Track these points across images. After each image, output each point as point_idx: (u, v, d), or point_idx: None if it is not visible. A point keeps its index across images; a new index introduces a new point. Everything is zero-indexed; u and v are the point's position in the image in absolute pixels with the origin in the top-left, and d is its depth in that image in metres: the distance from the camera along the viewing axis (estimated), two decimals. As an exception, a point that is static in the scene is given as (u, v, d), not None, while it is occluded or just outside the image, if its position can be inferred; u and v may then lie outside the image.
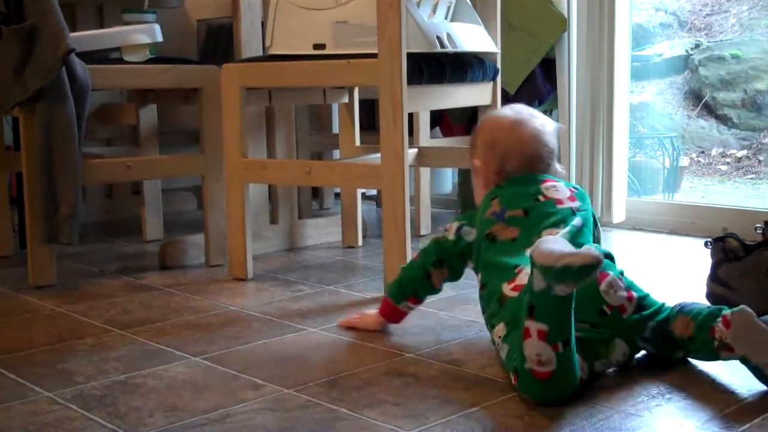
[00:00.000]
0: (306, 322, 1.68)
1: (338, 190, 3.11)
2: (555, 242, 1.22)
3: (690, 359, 1.39)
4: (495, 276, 1.42)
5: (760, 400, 1.23)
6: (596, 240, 1.54)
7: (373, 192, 3.22)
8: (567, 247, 1.21)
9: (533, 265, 1.21)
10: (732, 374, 1.34)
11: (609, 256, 1.37)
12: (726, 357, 1.30)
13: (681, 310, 1.36)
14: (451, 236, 1.54)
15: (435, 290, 1.58)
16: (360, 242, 2.44)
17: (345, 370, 1.39)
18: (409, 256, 1.84)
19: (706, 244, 1.73)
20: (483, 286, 1.46)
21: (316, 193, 3.21)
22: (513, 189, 1.52)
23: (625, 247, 2.38)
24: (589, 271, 1.17)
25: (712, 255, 1.72)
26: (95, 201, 2.94)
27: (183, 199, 3.12)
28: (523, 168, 1.54)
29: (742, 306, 1.28)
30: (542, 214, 1.47)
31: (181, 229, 2.64)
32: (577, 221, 1.46)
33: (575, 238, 1.42)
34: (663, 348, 1.38)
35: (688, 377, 1.34)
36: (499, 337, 1.36)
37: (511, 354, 1.29)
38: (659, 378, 1.33)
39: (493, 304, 1.41)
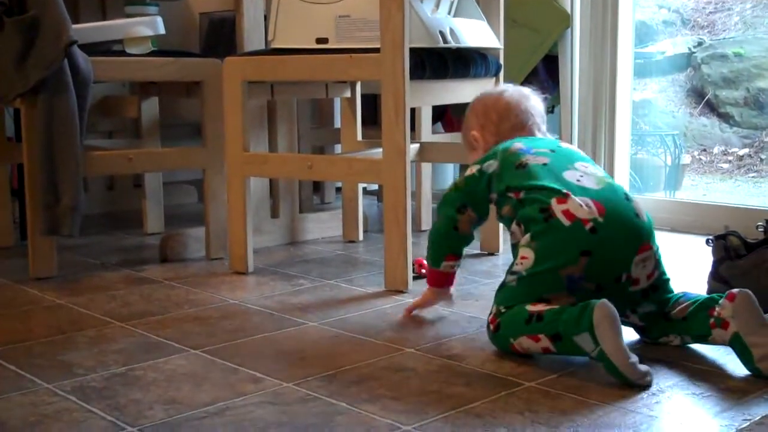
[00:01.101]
0: (306, 316, 1.68)
1: (339, 184, 3.11)
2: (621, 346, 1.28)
3: (686, 347, 1.40)
4: (545, 196, 1.44)
5: (760, 399, 1.23)
6: None
7: (375, 187, 3.22)
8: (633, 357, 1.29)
9: (595, 340, 1.29)
10: (732, 372, 1.34)
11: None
12: (717, 335, 1.36)
13: (683, 296, 1.45)
14: (474, 172, 1.58)
15: (467, 238, 1.61)
16: (361, 237, 2.43)
17: (344, 365, 1.39)
18: (410, 251, 1.84)
19: (707, 242, 1.73)
20: (521, 202, 1.48)
21: (318, 187, 3.21)
22: (532, 139, 1.61)
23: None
24: (623, 380, 1.28)
25: (714, 253, 1.71)
26: (96, 193, 2.94)
27: (184, 192, 3.12)
28: (515, 127, 1.65)
29: (745, 289, 1.35)
30: (570, 152, 1.57)
31: (182, 222, 2.64)
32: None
33: (614, 181, 1.51)
34: (653, 328, 1.46)
35: (688, 375, 1.34)
36: (516, 270, 1.43)
37: (510, 305, 1.42)
38: (659, 375, 1.33)
39: (533, 212, 1.44)
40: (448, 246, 1.62)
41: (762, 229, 1.73)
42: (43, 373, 1.37)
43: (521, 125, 1.66)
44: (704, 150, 3.42)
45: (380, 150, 1.85)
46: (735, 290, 1.35)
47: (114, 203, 2.98)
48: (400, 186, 1.81)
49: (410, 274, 1.86)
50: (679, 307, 1.43)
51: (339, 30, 1.88)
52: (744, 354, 1.32)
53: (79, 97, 1.96)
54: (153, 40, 2.21)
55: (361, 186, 2.45)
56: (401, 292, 1.84)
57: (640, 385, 1.27)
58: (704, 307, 1.39)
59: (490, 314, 1.46)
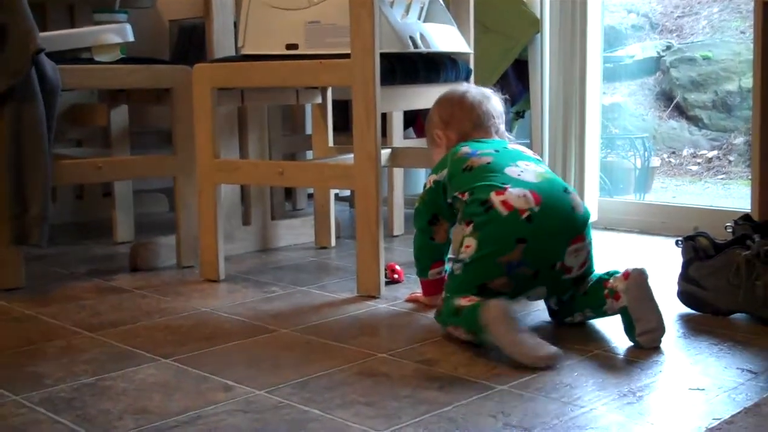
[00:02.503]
0: (278, 323, 1.67)
1: (311, 191, 3.10)
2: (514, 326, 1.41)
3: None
4: (485, 190, 1.54)
5: (731, 399, 1.24)
6: None
7: (347, 193, 3.21)
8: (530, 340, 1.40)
9: (483, 330, 1.41)
10: (703, 375, 1.35)
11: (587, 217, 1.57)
12: (609, 306, 1.49)
13: (589, 270, 1.57)
14: (430, 185, 1.69)
15: (447, 244, 1.72)
16: (333, 243, 2.43)
17: (317, 371, 1.38)
18: (382, 256, 1.84)
19: (677, 243, 1.74)
20: (456, 204, 1.60)
21: (289, 194, 3.20)
22: (479, 142, 1.70)
23: (598, 246, 2.39)
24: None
25: (683, 254, 1.73)
26: (65, 202, 2.91)
27: (154, 200, 3.10)
28: (475, 127, 1.74)
29: (643, 267, 1.47)
30: (513, 152, 1.66)
31: (153, 231, 2.62)
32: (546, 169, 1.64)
33: (555, 177, 1.61)
34: (564, 309, 1.59)
35: (660, 377, 1.34)
36: (461, 258, 1.53)
37: (456, 293, 1.52)
38: (630, 376, 1.33)
39: (475, 207, 1.54)
40: (430, 257, 1.72)
41: (731, 230, 1.74)
42: (11, 384, 1.35)
43: (481, 125, 1.76)
44: (673, 153, 3.45)
45: (352, 156, 1.84)
46: (630, 268, 1.48)
47: (83, 212, 2.95)
48: (371, 191, 1.81)
49: (383, 280, 1.86)
50: (582, 285, 1.56)
51: (309, 36, 1.88)
52: (629, 327, 1.47)
53: (47, 106, 1.94)
54: (122, 47, 2.19)
55: (333, 192, 2.44)
56: (374, 297, 1.84)
57: (547, 366, 1.36)
58: (600, 280, 1.53)
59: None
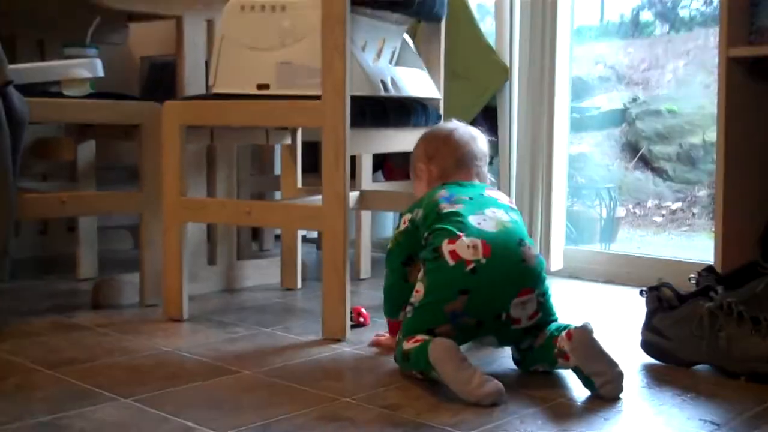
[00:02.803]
0: (241, 365, 1.65)
1: (279, 231, 3.09)
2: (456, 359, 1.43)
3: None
4: (439, 237, 1.57)
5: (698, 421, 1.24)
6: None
7: (314, 234, 3.20)
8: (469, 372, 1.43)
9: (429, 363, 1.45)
10: (666, 426, 1.35)
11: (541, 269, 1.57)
12: (562, 365, 1.51)
13: (546, 327, 1.56)
14: (406, 225, 1.70)
15: None
16: (299, 284, 2.41)
17: (279, 414, 1.37)
18: (348, 299, 1.83)
19: (641, 293, 1.75)
20: (426, 246, 1.61)
21: (256, 234, 3.18)
22: (459, 186, 1.71)
23: (562, 295, 2.40)
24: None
25: (647, 304, 1.74)
26: (28, 237, 2.87)
27: (119, 237, 3.07)
28: (458, 166, 1.75)
29: (585, 323, 1.47)
30: (486, 199, 1.67)
31: (116, 268, 2.59)
32: (517, 216, 1.66)
33: (520, 230, 1.62)
34: (526, 360, 1.59)
35: (623, 427, 1.34)
36: (412, 302, 1.58)
37: (407, 336, 1.56)
38: (592, 426, 1.33)
39: (429, 252, 1.57)
40: (401, 297, 1.68)
41: (694, 282, 1.76)
42: (-36, 421, 1.32)
43: (464, 164, 1.76)
44: (638, 203, 3.48)
45: (320, 197, 1.84)
46: (572, 328, 1.49)
47: (46, 247, 2.91)
48: (339, 233, 1.80)
49: (348, 323, 1.84)
50: (539, 337, 1.56)
51: (280, 76, 1.88)
52: (586, 383, 1.47)
53: (13, 138, 1.92)
54: (91, 82, 2.18)
55: (300, 233, 2.44)
56: (339, 340, 1.82)
57: (486, 404, 1.39)
58: (551, 337, 1.53)
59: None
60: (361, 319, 1.96)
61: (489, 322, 1.54)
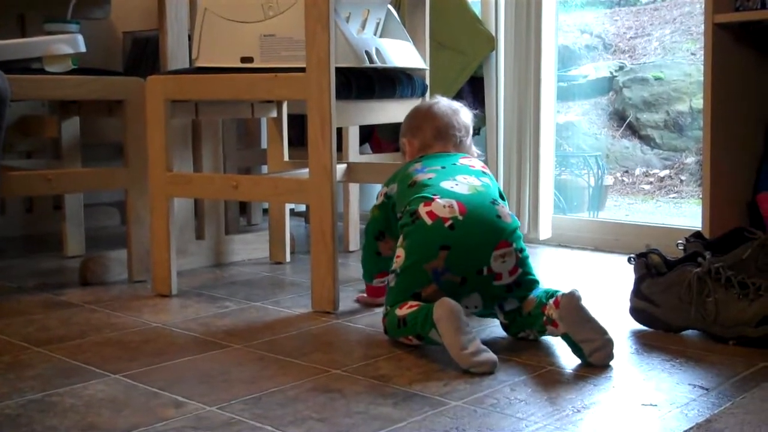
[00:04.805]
0: (231, 339, 1.65)
1: (266, 205, 3.08)
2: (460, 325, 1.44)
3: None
4: (415, 203, 1.61)
5: (683, 415, 1.24)
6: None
7: (302, 208, 3.20)
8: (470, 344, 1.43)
9: (433, 324, 1.46)
10: (655, 391, 1.35)
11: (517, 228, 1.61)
12: (551, 332, 1.51)
13: (534, 293, 1.58)
14: (381, 199, 1.77)
15: (391, 257, 1.69)
16: (288, 258, 2.41)
17: (270, 387, 1.37)
18: (337, 272, 1.83)
19: (629, 260, 1.75)
20: (402, 216, 1.65)
21: (244, 208, 3.17)
22: (434, 158, 1.75)
23: (551, 263, 2.41)
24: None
25: (636, 271, 1.74)
26: (14, 215, 2.85)
27: (106, 214, 3.05)
28: (436, 137, 1.80)
29: (572, 289, 1.47)
30: (458, 168, 1.70)
31: (104, 245, 2.58)
32: (490, 181, 1.69)
33: (492, 192, 1.65)
34: (512, 325, 1.61)
35: (613, 393, 1.35)
36: (394, 268, 1.60)
37: (393, 303, 1.58)
38: (583, 392, 1.34)
39: (406, 218, 1.61)
40: (376, 267, 1.83)
41: (682, 248, 1.76)
42: (-47, 400, 1.31)
43: (442, 136, 1.81)
44: (626, 171, 3.49)
45: (307, 170, 1.83)
46: (559, 295, 1.49)
47: (33, 225, 2.90)
48: (326, 206, 1.80)
49: (337, 295, 1.84)
50: (526, 304, 1.58)
51: (264, 49, 1.87)
52: (576, 350, 1.47)
53: (-5, 116, 1.91)
54: (74, 58, 2.16)
55: (288, 207, 2.43)
56: (328, 313, 1.83)
57: (477, 372, 1.41)
58: (540, 305, 1.54)
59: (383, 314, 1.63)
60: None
61: (471, 278, 1.56)
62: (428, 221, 1.57)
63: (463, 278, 1.56)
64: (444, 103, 1.85)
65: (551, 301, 1.51)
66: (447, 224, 1.56)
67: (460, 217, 1.56)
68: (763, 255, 1.63)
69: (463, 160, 1.75)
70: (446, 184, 1.63)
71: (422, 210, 1.59)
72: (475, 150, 1.88)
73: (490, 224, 1.57)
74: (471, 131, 1.86)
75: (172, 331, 1.71)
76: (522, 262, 1.59)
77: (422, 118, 1.84)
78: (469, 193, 1.61)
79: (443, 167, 1.70)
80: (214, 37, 1.92)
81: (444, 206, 1.58)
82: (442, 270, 1.55)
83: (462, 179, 1.65)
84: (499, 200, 1.64)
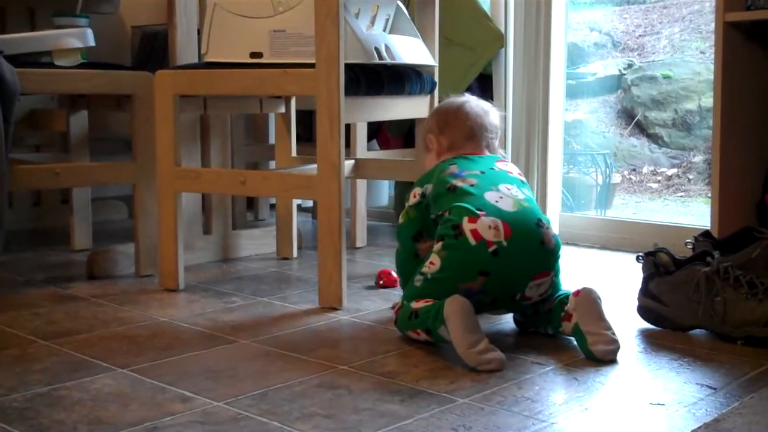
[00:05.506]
0: (238, 334, 1.65)
1: (274, 201, 3.08)
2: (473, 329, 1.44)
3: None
4: (459, 214, 1.56)
5: (690, 415, 1.24)
6: None
7: (309, 203, 3.20)
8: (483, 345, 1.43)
9: (447, 331, 1.45)
10: (663, 390, 1.35)
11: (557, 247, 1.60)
12: (565, 327, 1.54)
13: (554, 293, 1.60)
14: (417, 198, 1.70)
15: None
16: (295, 254, 2.41)
17: (277, 383, 1.37)
18: (344, 268, 1.83)
19: (637, 259, 1.75)
20: (439, 221, 1.61)
21: (251, 203, 3.17)
22: (470, 160, 1.70)
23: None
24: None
25: (644, 269, 1.74)
26: (22, 209, 2.86)
27: (113, 208, 3.06)
28: (467, 138, 1.74)
29: (592, 287, 1.52)
30: (497, 175, 1.66)
31: (111, 239, 2.59)
32: (530, 192, 1.67)
33: (536, 208, 1.61)
34: (527, 322, 1.64)
35: (620, 392, 1.35)
36: (424, 272, 1.58)
37: (411, 293, 1.59)
38: (591, 391, 1.33)
39: (447, 229, 1.56)
40: (415, 270, 1.65)
41: (691, 247, 1.76)
42: (-39, 393, 1.32)
43: (473, 137, 1.75)
44: (634, 170, 3.48)
45: (315, 166, 1.83)
46: (581, 287, 1.53)
47: (40, 219, 2.90)
48: (334, 202, 1.80)
49: (344, 291, 1.84)
50: (548, 302, 1.59)
51: (274, 45, 1.87)
52: (580, 340, 1.50)
53: (4, 110, 1.91)
54: (83, 52, 2.16)
55: (295, 202, 2.43)
56: (335, 309, 1.82)
57: (491, 371, 1.41)
58: (561, 303, 1.57)
59: (396, 305, 1.64)
60: (381, 282, 2.02)
61: (504, 301, 1.57)
62: (472, 241, 1.52)
63: (495, 299, 1.56)
64: (474, 102, 1.79)
65: (571, 294, 1.54)
66: (491, 249, 1.51)
67: (505, 243, 1.52)
68: (772, 255, 1.63)
69: (499, 164, 1.70)
70: (490, 197, 1.58)
71: (467, 226, 1.53)
72: (501, 151, 1.84)
73: (532, 254, 1.55)
74: (499, 133, 1.82)
75: (179, 326, 1.71)
76: (553, 285, 1.59)
77: (453, 116, 1.77)
78: (515, 211, 1.56)
79: (482, 172, 1.65)
80: (224, 32, 1.92)
81: (489, 227, 1.52)
82: (476, 291, 1.53)
83: (505, 190, 1.61)
84: (543, 220, 1.58)
